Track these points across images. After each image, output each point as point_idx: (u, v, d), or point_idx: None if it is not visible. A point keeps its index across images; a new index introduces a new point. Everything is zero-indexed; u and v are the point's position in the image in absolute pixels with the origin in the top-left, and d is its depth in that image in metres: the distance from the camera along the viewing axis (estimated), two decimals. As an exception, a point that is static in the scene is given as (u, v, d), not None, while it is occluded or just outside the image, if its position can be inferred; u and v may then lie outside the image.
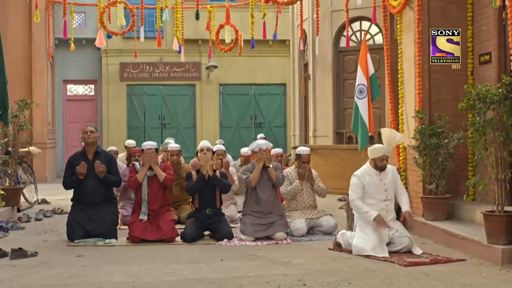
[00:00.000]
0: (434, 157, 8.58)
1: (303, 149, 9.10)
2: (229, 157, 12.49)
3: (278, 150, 10.11)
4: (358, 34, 14.95)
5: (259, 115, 22.25)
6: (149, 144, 8.77)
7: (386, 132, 7.66)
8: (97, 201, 8.50)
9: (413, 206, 9.18)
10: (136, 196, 8.66)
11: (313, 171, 9.18)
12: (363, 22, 14.75)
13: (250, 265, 6.91)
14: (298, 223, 8.72)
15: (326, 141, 15.15)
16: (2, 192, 10.22)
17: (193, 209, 8.72)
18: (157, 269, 6.71)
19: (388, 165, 7.65)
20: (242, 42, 16.49)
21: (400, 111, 9.64)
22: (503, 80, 6.90)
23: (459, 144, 8.47)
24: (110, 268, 6.77)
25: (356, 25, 14.95)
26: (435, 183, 8.57)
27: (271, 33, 16.45)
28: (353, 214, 8.92)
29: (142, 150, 8.82)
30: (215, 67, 21.44)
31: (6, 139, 11.72)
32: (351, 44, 13.96)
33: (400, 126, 9.59)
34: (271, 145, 9.30)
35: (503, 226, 6.78)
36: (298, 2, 14.89)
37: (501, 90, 6.84)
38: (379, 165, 7.53)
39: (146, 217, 8.39)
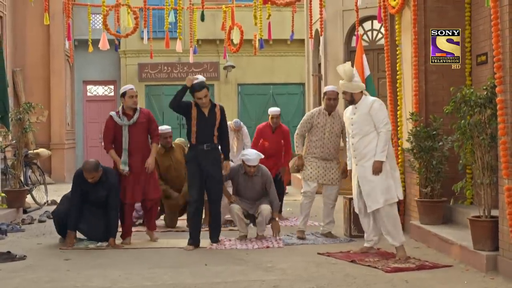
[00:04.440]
0: (429, 160, 8.43)
1: (330, 87, 8.95)
2: (244, 129, 13.13)
3: (275, 111, 10.94)
4: (369, 33, 14.81)
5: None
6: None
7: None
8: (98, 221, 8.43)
9: (410, 209, 9.08)
10: (115, 147, 8.51)
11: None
12: (375, 22, 14.57)
13: (232, 270, 6.87)
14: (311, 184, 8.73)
15: (338, 141, 14.98)
16: (3, 194, 10.32)
17: (189, 145, 8.43)
18: (137, 273, 6.71)
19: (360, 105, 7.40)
20: (257, 42, 16.44)
21: (398, 112, 9.51)
22: (489, 83, 6.75)
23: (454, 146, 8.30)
24: (92, 272, 6.78)
25: (367, 25, 14.80)
26: (430, 187, 8.43)
27: (288, 33, 16.46)
28: (350, 218, 8.86)
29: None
30: (233, 67, 21.44)
31: (14, 141, 11.85)
32: (362, 43, 13.77)
33: (398, 128, 9.46)
34: (262, 156, 8.96)
35: (488, 232, 6.63)
36: (312, 2, 14.86)
37: (485, 92, 6.69)
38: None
39: (127, 168, 8.32)
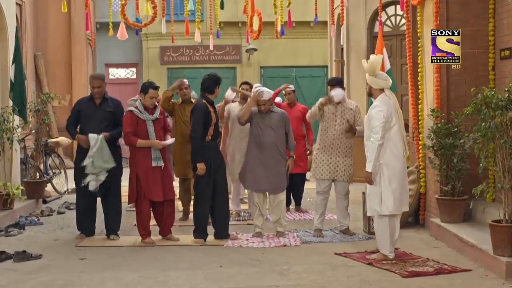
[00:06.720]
0: (450, 158, 8.26)
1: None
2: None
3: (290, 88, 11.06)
4: (392, 18, 14.53)
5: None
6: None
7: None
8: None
9: (431, 206, 8.91)
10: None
11: (354, 102, 8.89)
12: (398, 7, 14.28)
13: (247, 273, 6.78)
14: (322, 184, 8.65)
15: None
16: (21, 187, 10.30)
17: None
18: (151, 276, 6.66)
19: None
20: (279, 26, 16.23)
21: (420, 107, 9.32)
22: (510, 84, 6.53)
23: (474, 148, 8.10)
24: (106, 275, 6.73)
25: (391, 10, 14.52)
26: (451, 184, 8.26)
27: (311, 15, 16.23)
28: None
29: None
30: (255, 50, 21.22)
31: (33, 131, 11.85)
32: (386, 29, 13.59)
33: (420, 123, 9.27)
34: (272, 92, 8.84)
35: (508, 237, 6.45)
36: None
37: (507, 94, 6.48)
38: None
39: (163, 163, 8.19)
